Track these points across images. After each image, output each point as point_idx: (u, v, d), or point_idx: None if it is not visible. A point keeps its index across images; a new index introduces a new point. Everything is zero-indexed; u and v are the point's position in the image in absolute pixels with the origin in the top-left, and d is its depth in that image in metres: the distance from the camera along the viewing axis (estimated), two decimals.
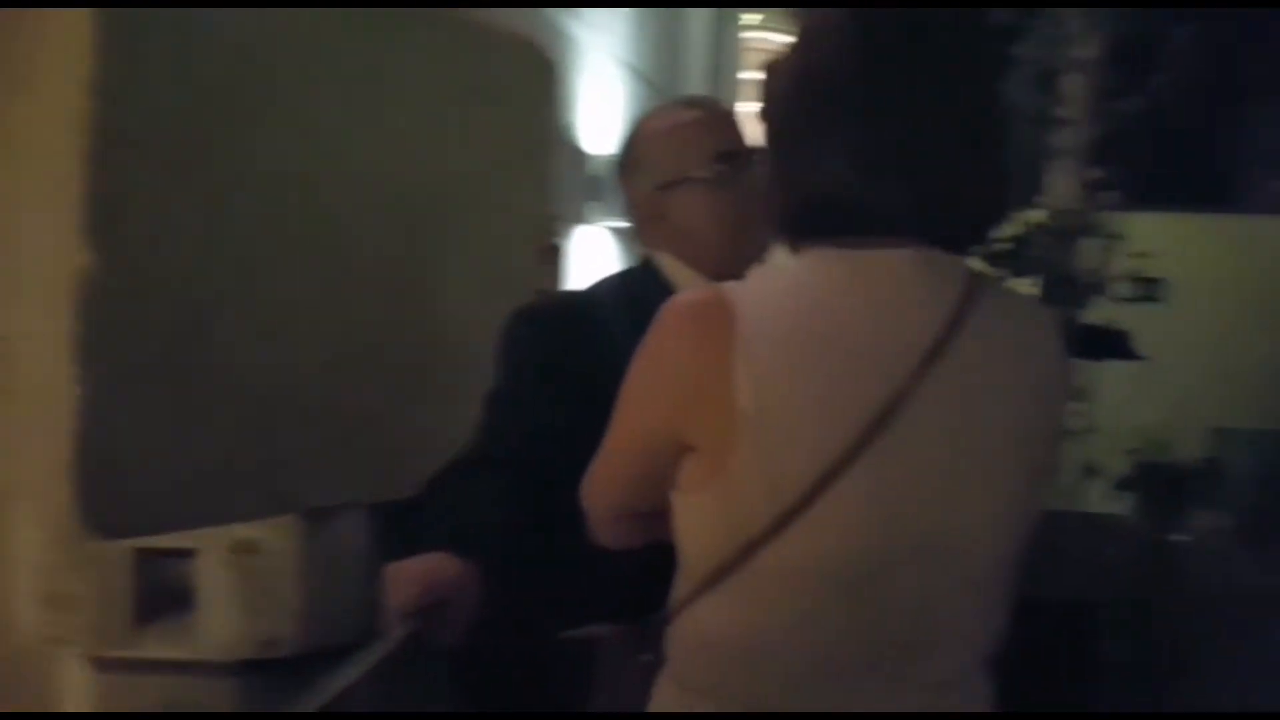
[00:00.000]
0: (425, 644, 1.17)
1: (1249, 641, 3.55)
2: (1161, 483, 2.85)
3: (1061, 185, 3.69)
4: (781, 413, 0.84)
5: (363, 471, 1.83)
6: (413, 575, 1.17)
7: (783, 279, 0.94)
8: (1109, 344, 3.70)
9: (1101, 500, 3.53)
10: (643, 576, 1.13)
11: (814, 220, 0.93)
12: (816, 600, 0.89)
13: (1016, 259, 3.50)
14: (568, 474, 1.23)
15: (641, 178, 1.36)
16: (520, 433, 1.29)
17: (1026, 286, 3.63)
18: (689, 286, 1.31)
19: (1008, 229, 3.53)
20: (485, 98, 2.01)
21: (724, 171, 1.29)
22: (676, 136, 1.34)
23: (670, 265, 1.36)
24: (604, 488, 1.07)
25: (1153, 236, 7.70)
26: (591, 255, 3.22)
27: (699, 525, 0.93)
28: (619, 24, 3.57)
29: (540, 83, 2.33)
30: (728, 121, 1.36)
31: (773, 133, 0.98)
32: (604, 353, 1.15)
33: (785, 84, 0.95)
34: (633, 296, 1.34)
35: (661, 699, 1.01)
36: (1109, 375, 4.02)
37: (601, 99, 3.28)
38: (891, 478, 0.85)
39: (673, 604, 0.99)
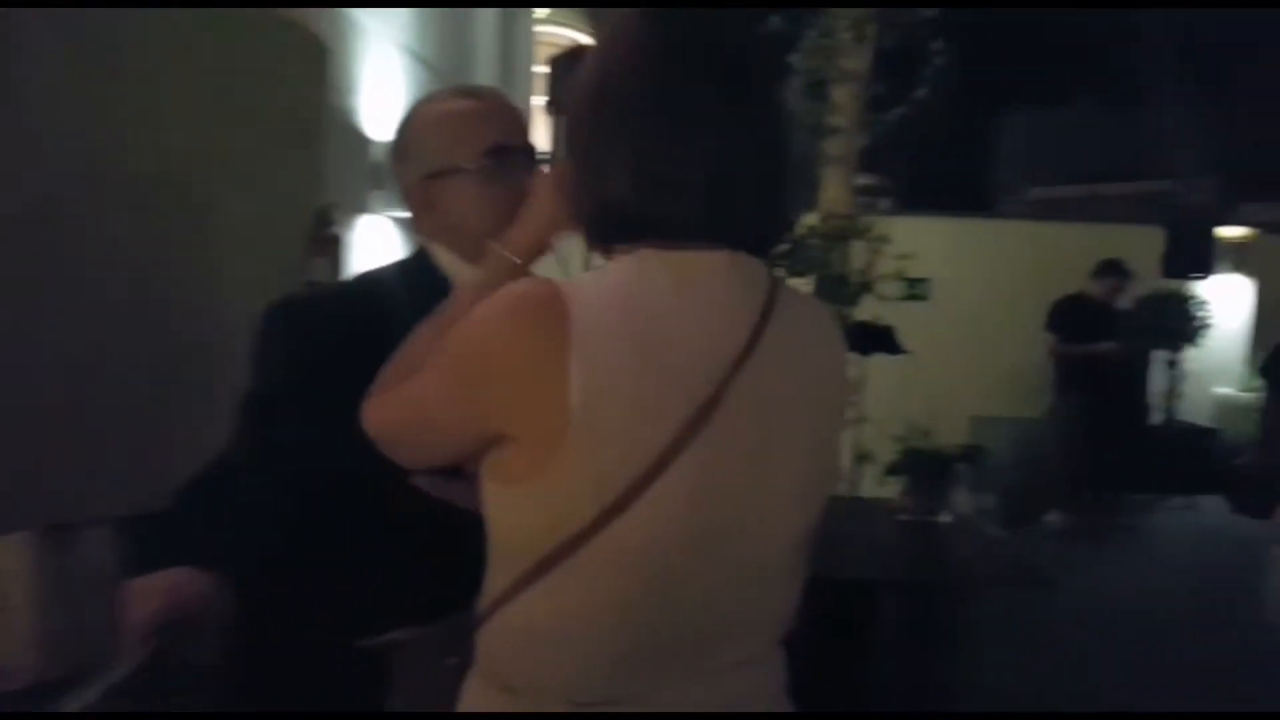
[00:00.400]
0: (170, 663, 1.10)
1: (1008, 616, 3.89)
2: (925, 468, 3.05)
3: (833, 190, 3.89)
4: (610, 410, 0.85)
5: (108, 484, 1.67)
6: (152, 591, 1.09)
7: (608, 278, 0.92)
8: (877, 339, 3.95)
9: (873, 486, 3.77)
10: (436, 576, 1.10)
11: (613, 226, 0.94)
12: (638, 590, 0.90)
13: (792, 259, 3.67)
14: (335, 479, 1.17)
15: (412, 165, 1.30)
16: (277, 439, 1.20)
17: (800, 285, 3.83)
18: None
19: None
20: (246, 78, 1.87)
21: (495, 165, 1.24)
22: (448, 125, 1.28)
23: (444, 258, 1.30)
24: (392, 430, 1.02)
25: (918, 239, 8.34)
26: (376, 246, 3.09)
27: (520, 518, 0.91)
28: (404, 10, 3.45)
29: (310, 65, 2.20)
30: (505, 113, 1.31)
31: (568, 137, 0.97)
32: (370, 350, 1.10)
33: (581, 89, 0.95)
34: (404, 289, 1.28)
35: (473, 700, 0.99)
36: (879, 368, 4.29)
37: (385, 85, 3.16)
38: (710, 470, 0.88)
39: (487, 600, 0.96)
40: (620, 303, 0.89)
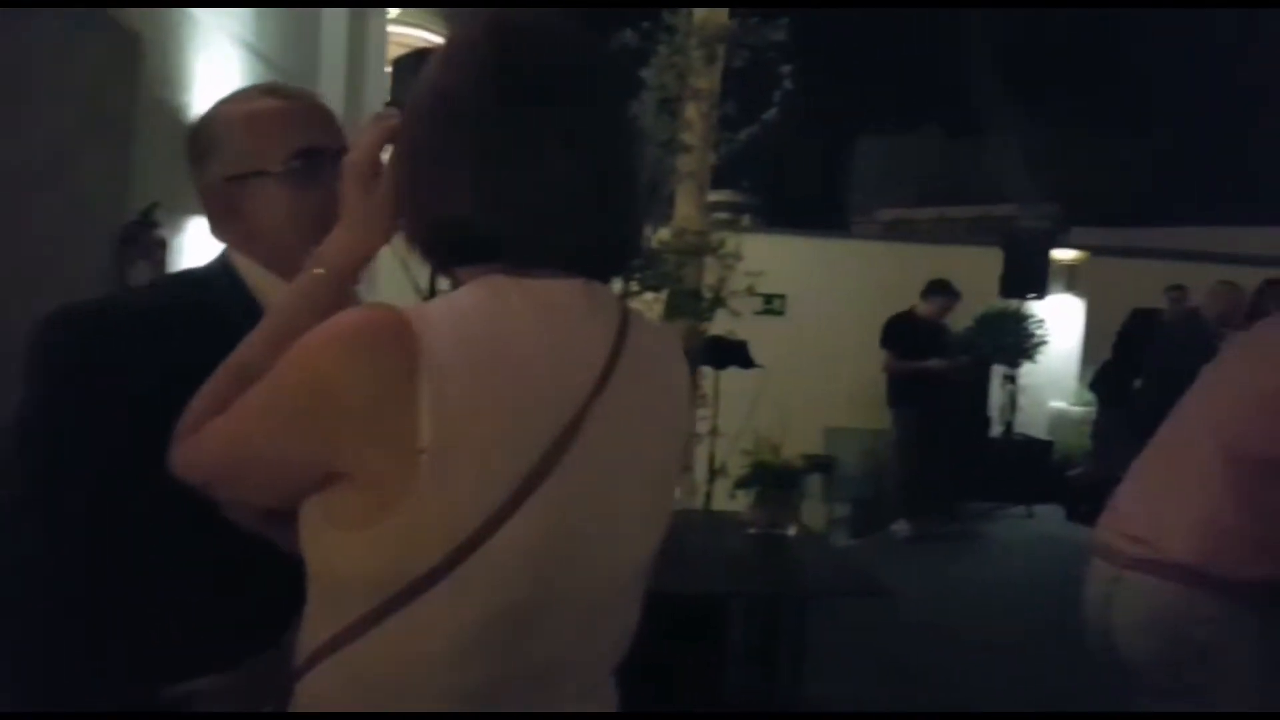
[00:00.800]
0: None
1: (851, 626, 3.98)
2: (773, 482, 3.09)
3: (685, 206, 3.92)
4: (464, 446, 0.79)
5: None
6: None
7: (459, 305, 0.85)
8: (730, 354, 4.00)
9: (725, 499, 3.80)
10: (242, 618, 1.02)
11: (454, 247, 0.88)
12: (484, 629, 0.84)
13: (645, 274, 3.68)
14: (120, 510, 1.06)
15: (212, 165, 1.20)
16: (54, 467, 1.07)
17: (653, 300, 3.83)
18: (267, 292, 1.18)
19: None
20: (48, 72, 1.71)
21: (304, 169, 1.15)
22: (254, 124, 1.18)
23: (245, 266, 1.21)
24: (209, 470, 0.92)
25: (776, 256, 8.58)
26: (207, 248, 2.92)
27: (357, 565, 0.83)
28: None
29: (119, 58, 2.04)
30: (316, 114, 1.22)
31: (403, 148, 0.91)
32: (162, 365, 1.01)
33: (419, 98, 0.88)
34: (202, 299, 1.18)
35: None
36: (733, 380, 4.35)
37: (220, 81, 2.99)
38: (564, 502, 0.84)
39: (308, 648, 0.88)
40: (474, 332, 0.83)
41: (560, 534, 0.85)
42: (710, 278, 3.89)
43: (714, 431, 4.03)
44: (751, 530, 3.13)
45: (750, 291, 3.98)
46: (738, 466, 3.31)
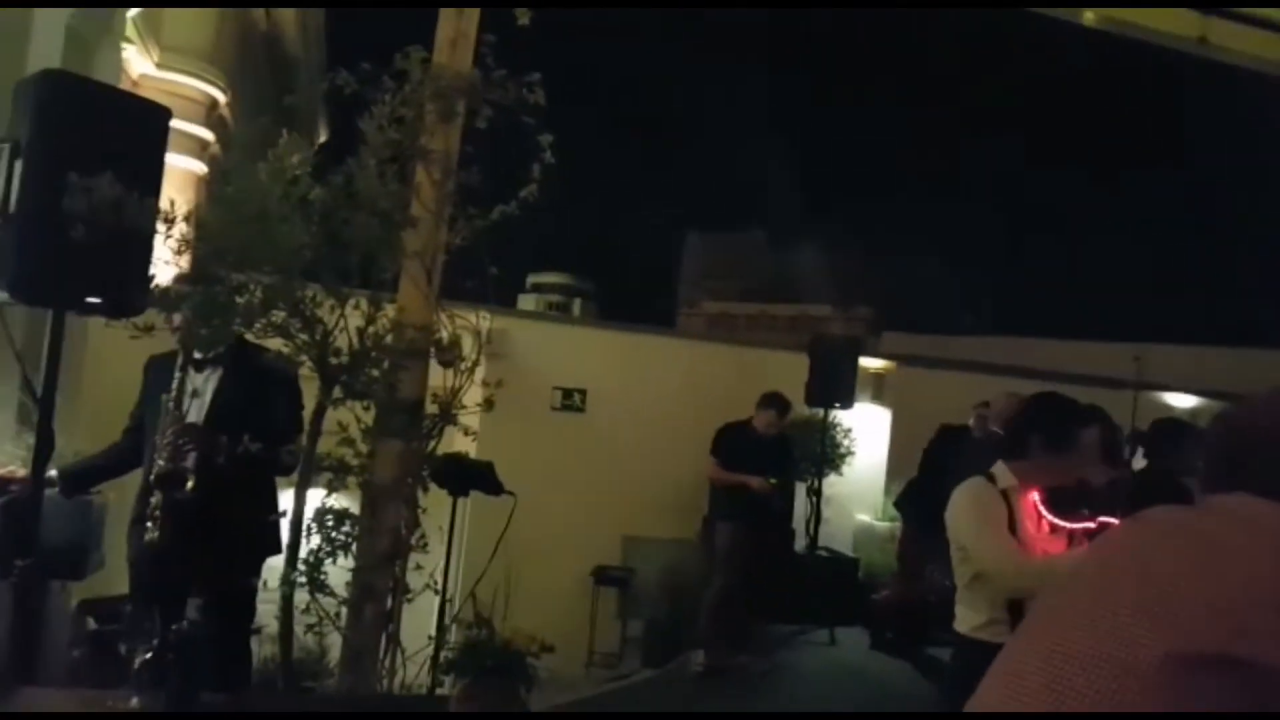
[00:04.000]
0: None
1: None
2: (487, 668, 2.31)
3: (409, 293, 3.10)
4: None
5: None
6: None
7: None
8: (473, 478, 3.23)
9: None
10: None
11: None
12: None
13: (349, 381, 2.85)
14: None
15: None
16: None
17: (364, 411, 3.01)
18: None
19: (341, 343, 2.89)
20: None
21: None
22: None
23: None
24: None
25: (575, 350, 7.99)
26: None
27: None
28: None
29: None
30: None
31: None
32: None
33: None
34: None
35: None
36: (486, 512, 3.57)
37: None
38: None
39: None
40: None
41: None
42: (442, 381, 3.07)
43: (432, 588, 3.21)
44: None
45: (488, 404, 3.20)
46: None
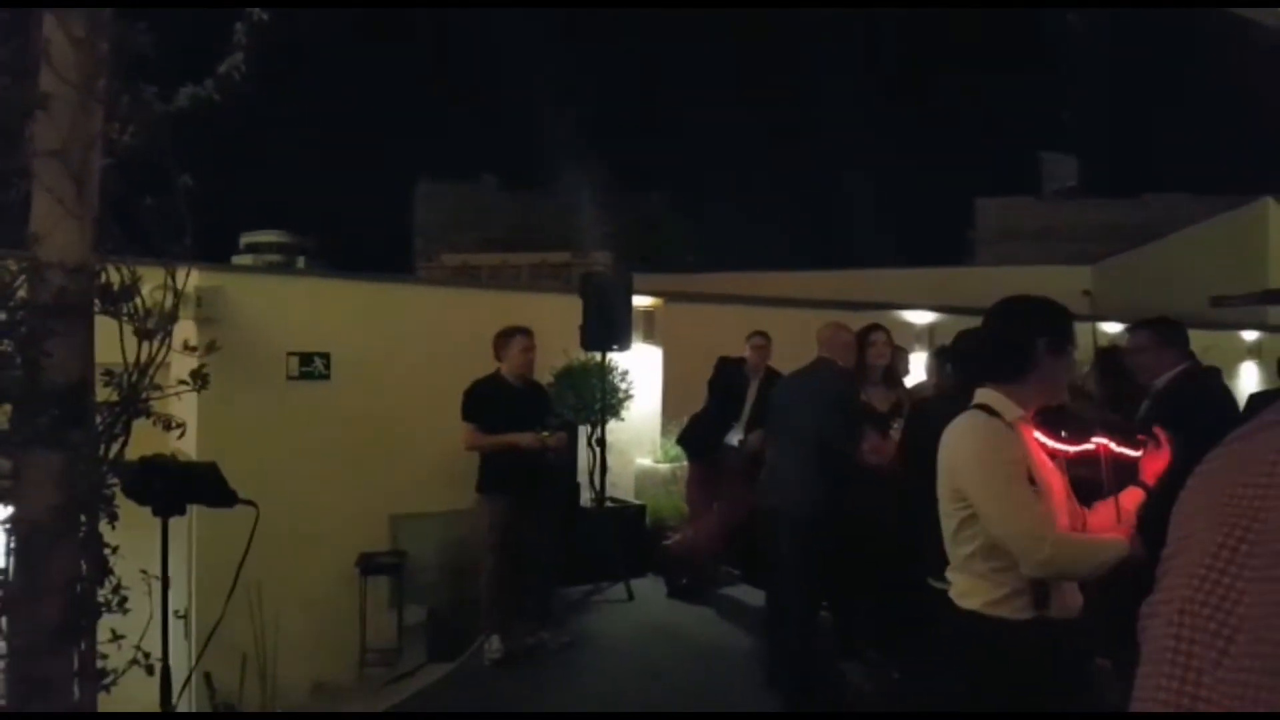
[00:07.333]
0: None
1: None
2: None
3: (51, 211, 2.02)
4: None
5: None
6: None
7: None
8: (188, 488, 2.24)
9: None
10: None
11: None
12: None
13: None
14: None
15: None
16: None
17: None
18: None
19: None
20: None
21: None
22: None
23: None
24: None
25: (313, 306, 6.87)
26: None
27: None
28: None
29: None
30: None
31: None
32: None
33: None
34: None
35: None
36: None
37: None
38: None
39: None
40: None
41: None
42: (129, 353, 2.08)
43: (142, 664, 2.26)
44: None
45: (202, 382, 2.24)
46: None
